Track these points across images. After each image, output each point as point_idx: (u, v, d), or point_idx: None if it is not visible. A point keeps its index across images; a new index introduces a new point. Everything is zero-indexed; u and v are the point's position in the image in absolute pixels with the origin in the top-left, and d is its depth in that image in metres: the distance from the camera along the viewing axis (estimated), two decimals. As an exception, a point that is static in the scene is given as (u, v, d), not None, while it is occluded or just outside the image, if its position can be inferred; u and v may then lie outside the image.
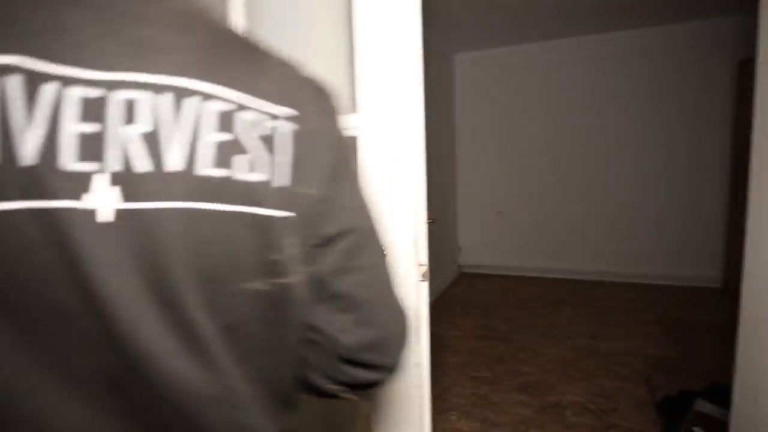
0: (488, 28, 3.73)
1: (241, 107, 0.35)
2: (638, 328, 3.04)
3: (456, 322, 3.34)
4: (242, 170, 0.35)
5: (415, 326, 0.74)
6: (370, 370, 0.46)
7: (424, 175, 0.70)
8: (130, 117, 0.31)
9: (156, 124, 0.32)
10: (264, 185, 0.36)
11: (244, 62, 0.38)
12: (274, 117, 0.37)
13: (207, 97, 0.33)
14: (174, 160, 0.32)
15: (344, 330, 0.43)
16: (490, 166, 4.56)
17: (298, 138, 0.38)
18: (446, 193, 4.44)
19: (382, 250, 0.48)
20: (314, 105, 0.41)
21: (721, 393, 1.88)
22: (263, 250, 0.36)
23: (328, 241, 0.41)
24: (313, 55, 1.00)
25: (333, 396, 0.47)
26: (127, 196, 0.31)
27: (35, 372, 0.30)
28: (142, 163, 0.31)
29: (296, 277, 0.39)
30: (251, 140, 0.35)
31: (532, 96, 4.31)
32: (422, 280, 0.71)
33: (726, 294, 3.59)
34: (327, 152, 0.41)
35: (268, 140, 0.36)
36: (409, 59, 0.69)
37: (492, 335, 3.05)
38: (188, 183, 0.32)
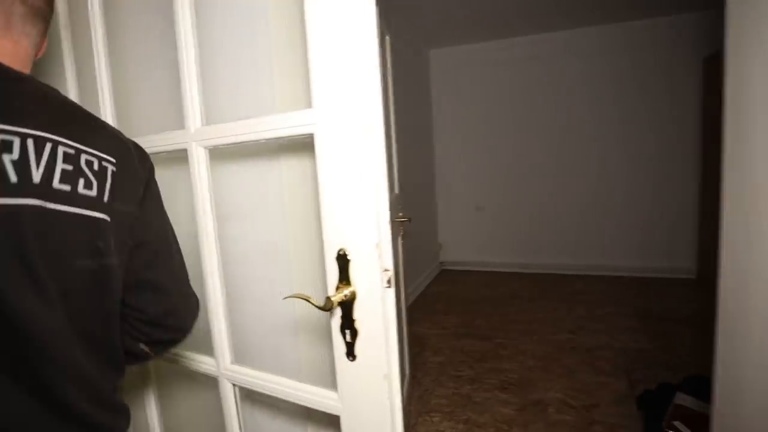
0: (461, 25, 3.70)
1: (82, 152, 0.56)
2: (617, 322, 3.05)
3: (437, 320, 3.31)
4: (82, 188, 0.55)
5: (382, 336, 0.68)
6: (169, 332, 0.71)
7: (384, 174, 0.65)
8: (5, 149, 0.49)
9: (24, 156, 0.50)
10: (95, 198, 0.57)
11: (81, 122, 0.60)
12: (101, 159, 0.59)
13: (50, 142, 0.53)
14: (36, 177, 0.51)
15: (150, 303, 0.67)
16: (468, 161, 4.54)
17: (115, 175, 0.60)
18: (425, 190, 4.41)
19: (179, 252, 0.74)
20: (126, 156, 0.63)
21: (698, 384, 1.89)
22: (92, 239, 0.56)
23: (138, 244, 0.64)
24: (267, 47, 0.94)
25: (145, 358, 0.72)
26: (5, 194, 0.48)
27: None
28: (11, 176, 0.49)
29: (115, 261, 0.60)
30: (89, 171, 0.57)
31: (505, 91, 4.30)
32: (387, 287, 0.65)
33: (699, 285, 3.65)
34: (133, 184, 0.64)
35: (100, 173, 0.58)
36: (364, 47, 0.63)
37: (473, 333, 3.02)
38: (39, 190, 0.51)
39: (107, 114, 1.01)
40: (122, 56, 1.08)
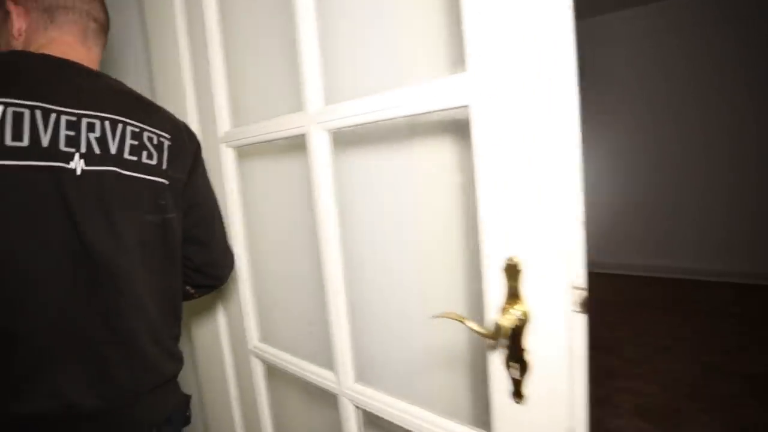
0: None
1: (144, 130, 0.71)
2: (788, 343, 2.47)
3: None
4: (145, 158, 0.70)
5: (566, 375, 0.50)
6: (208, 278, 0.88)
7: (580, 162, 0.46)
8: (90, 129, 0.65)
9: (103, 133, 0.66)
10: (156, 166, 0.72)
11: (143, 108, 0.74)
12: (159, 136, 0.73)
13: (121, 123, 0.68)
14: (112, 149, 0.67)
15: (196, 254, 0.83)
16: (588, 159, 4.07)
17: (170, 148, 0.75)
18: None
19: (220, 216, 0.88)
20: (178, 134, 0.77)
21: None
22: (156, 198, 0.72)
23: (189, 206, 0.79)
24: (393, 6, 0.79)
25: (190, 297, 0.88)
26: (89, 162, 0.64)
27: (38, 253, 0.60)
28: (97, 149, 0.65)
29: (174, 216, 0.75)
30: (150, 145, 0.71)
31: (641, 72, 3.75)
32: (578, 311, 0.47)
33: None
34: (184, 157, 0.78)
35: (159, 147, 0.73)
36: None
37: (597, 344, 2.65)
38: (116, 160, 0.67)
39: (217, 93, 0.97)
40: (232, 35, 1.01)
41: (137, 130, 0.70)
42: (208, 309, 1.14)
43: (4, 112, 0.57)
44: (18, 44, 0.70)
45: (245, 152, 1.02)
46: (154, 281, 0.71)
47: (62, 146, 0.61)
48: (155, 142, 0.72)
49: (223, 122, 0.98)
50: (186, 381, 1.32)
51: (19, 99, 0.58)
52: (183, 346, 0.83)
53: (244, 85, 1.01)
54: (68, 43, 0.71)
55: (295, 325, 1.04)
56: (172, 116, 0.79)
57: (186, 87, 1.04)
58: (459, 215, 0.77)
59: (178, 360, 0.77)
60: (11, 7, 0.69)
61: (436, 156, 0.80)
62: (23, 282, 0.59)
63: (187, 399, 0.81)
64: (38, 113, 0.60)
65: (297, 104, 0.79)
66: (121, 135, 0.68)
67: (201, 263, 0.84)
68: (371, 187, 0.89)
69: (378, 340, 0.90)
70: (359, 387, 0.78)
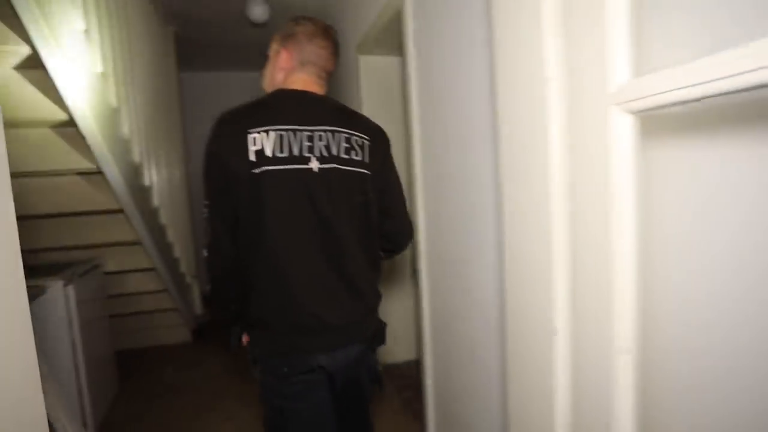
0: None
1: (353, 135, 1.06)
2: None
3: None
4: (354, 156, 1.05)
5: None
6: (391, 243, 1.20)
7: None
8: (320, 139, 1.02)
9: (328, 141, 1.03)
10: (361, 161, 1.06)
11: (350, 119, 1.10)
12: (362, 138, 1.08)
13: (338, 132, 1.04)
14: (334, 152, 1.03)
15: (384, 224, 1.15)
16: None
17: (370, 147, 1.08)
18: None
19: (403, 196, 1.20)
20: (375, 136, 1.11)
21: None
22: (362, 185, 1.06)
23: (381, 189, 1.12)
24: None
25: (381, 258, 1.19)
26: (321, 162, 1.01)
27: (297, 221, 1.00)
28: (325, 153, 1.02)
29: (372, 197, 1.09)
30: (357, 147, 1.06)
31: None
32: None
33: None
34: (378, 153, 1.10)
35: (362, 146, 1.07)
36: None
37: None
38: (338, 159, 1.03)
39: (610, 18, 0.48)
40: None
41: (347, 135, 1.05)
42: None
43: (276, 135, 0.97)
44: (280, 76, 1.10)
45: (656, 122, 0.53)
46: (361, 242, 1.07)
47: (305, 153, 0.99)
48: (359, 143, 1.06)
49: (618, 70, 0.49)
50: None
51: (282, 125, 0.98)
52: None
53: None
54: (306, 81, 1.09)
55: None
56: (370, 121, 1.14)
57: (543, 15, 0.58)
58: None
59: (378, 296, 1.15)
60: (284, 50, 1.09)
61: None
62: (291, 237, 0.99)
63: (383, 325, 1.18)
64: (291, 134, 0.99)
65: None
66: (338, 141, 1.03)
67: (389, 231, 1.17)
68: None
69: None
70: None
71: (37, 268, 2.23)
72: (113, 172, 2.05)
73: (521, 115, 0.65)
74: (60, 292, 2.00)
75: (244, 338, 1.15)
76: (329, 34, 1.11)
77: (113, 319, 2.77)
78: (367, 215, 1.08)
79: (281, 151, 0.97)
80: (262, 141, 0.96)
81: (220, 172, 0.97)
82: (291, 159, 0.97)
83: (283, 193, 0.97)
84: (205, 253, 1.05)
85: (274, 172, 0.96)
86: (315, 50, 1.07)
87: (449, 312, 1.62)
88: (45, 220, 2.31)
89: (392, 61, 2.58)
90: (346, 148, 1.04)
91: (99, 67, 1.99)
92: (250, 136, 0.95)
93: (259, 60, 1.51)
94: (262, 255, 0.99)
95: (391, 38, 2.17)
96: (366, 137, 1.08)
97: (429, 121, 1.66)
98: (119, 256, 2.62)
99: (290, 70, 1.09)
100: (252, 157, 0.95)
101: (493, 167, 1.23)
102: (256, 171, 0.95)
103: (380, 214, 1.13)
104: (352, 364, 1.09)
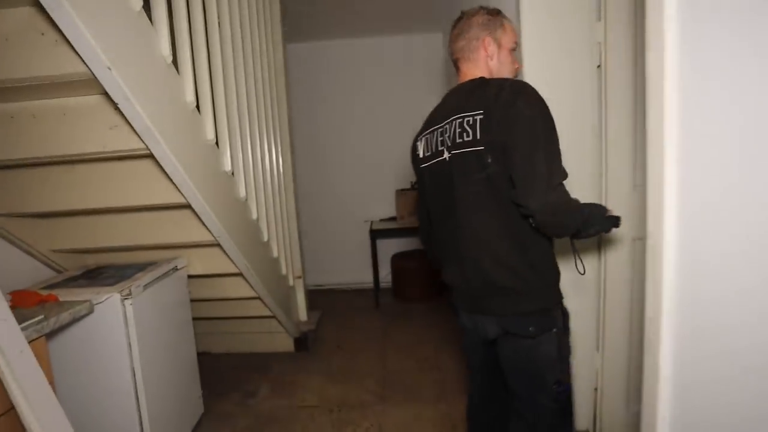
0: None
1: (465, 117, 1.13)
2: None
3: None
4: (465, 137, 1.12)
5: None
6: (522, 208, 1.07)
7: None
8: (445, 131, 1.19)
9: (450, 131, 1.17)
10: (471, 140, 1.10)
11: (468, 99, 1.16)
12: (473, 116, 1.10)
13: (457, 118, 1.15)
14: (455, 139, 1.15)
15: (514, 188, 1.08)
16: None
17: (482, 122, 1.08)
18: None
19: (544, 151, 1.05)
20: (492, 104, 1.08)
21: None
22: (480, 160, 1.10)
23: (508, 156, 1.06)
24: None
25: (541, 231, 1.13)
26: (451, 149, 1.17)
27: (442, 201, 1.24)
28: (450, 142, 1.17)
29: (494, 169, 1.08)
30: (467, 126, 1.11)
31: None
32: None
33: None
34: (497, 122, 1.06)
35: (473, 125, 1.10)
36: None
37: None
38: (457, 144, 1.15)
39: None
40: None
41: (460, 120, 1.13)
42: None
43: (425, 139, 1.28)
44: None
45: None
46: (490, 220, 1.14)
47: (439, 147, 1.21)
48: (471, 122, 1.10)
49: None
50: None
51: (430, 127, 1.27)
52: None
53: None
54: (463, 71, 1.25)
55: None
56: (496, 93, 1.09)
57: None
58: None
59: (522, 279, 1.13)
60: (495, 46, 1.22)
61: None
62: (439, 214, 1.28)
63: (538, 312, 1.15)
64: (432, 134, 1.24)
65: None
66: (453, 128, 1.15)
67: (516, 195, 1.06)
68: None
69: None
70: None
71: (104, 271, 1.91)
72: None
73: None
74: (117, 307, 1.61)
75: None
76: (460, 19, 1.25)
77: (198, 321, 2.41)
78: (492, 189, 1.11)
79: (426, 151, 1.29)
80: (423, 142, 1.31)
81: None
82: (432, 155, 1.25)
83: (434, 180, 1.27)
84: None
85: (426, 165, 1.29)
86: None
87: None
88: (119, 215, 1.97)
89: None
90: (459, 132, 1.13)
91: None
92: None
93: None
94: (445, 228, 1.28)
95: None
96: (478, 112, 1.09)
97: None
98: (203, 257, 2.22)
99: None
100: (420, 154, 1.34)
101: None
102: (422, 166, 1.32)
103: (510, 181, 1.09)
104: None
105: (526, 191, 1.04)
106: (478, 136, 1.08)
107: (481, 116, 1.08)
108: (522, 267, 1.13)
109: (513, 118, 1.04)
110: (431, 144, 1.23)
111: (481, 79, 1.16)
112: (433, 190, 1.27)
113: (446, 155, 1.17)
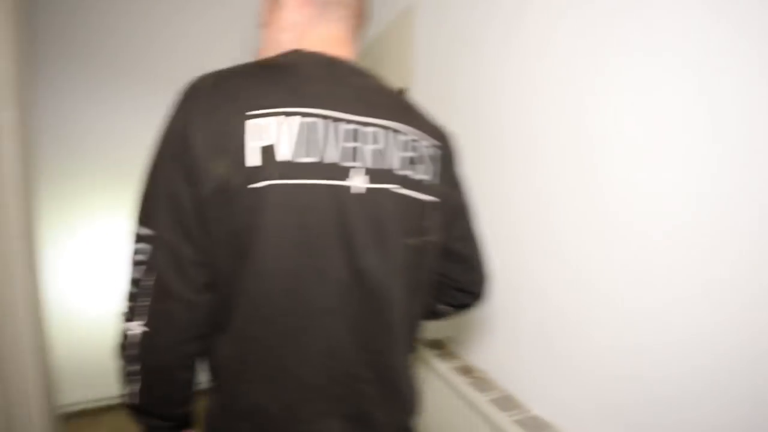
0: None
1: (419, 138, 0.65)
2: None
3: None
4: (422, 173, 0.64)
5: None
6: (470, 296, 0.79)
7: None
8: (372, 140, 0.59)
9: (384, 144, 0.60)
10: (430, 182, 0.65)
11: (407, 111, 0.67)
12: (432, 145, 0.67)
13: (397, 132, 0.62)
14: (392, 164, 0.60)
15: (461, 273, 0.76)
16: None
17: (444, 159, 0.69)
18: None
19: (479, 233, 0.78)
20: (445, 141, 0.71)
21: None
22: (425, 217, 0.64)
23: (453, 221, 0.72)
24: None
25: (441, 315, 0.82)
26: (376, 179, 0.58)
27: (313, 296, 0.56)
28: (377, 164, 0.59)
29: (434, 237, 0.67)
30: (426, 156, 0.65)
31: None
32: None
33: None
34: (454, 168, 0.73)
35: (433, 158, 0.66)
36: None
37: None
38: (394, 176, 0.60)
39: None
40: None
41: (412, 139, 0.64)
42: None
43: (301, 125, 0.55)
44: (286, 37, 0.65)
45: None
46: (408, 309, 0.66)
47: (345, 160, 0.57)
48: (431, 153, 0.67)
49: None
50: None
51: (311, 108, 0.55)
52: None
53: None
54: (336, 39, 0.65)
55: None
56: (432, 119, 0.72)
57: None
58: None
59: (418, 394, 0.70)
60: None
61: None
62: (305, 303, 0.58)
63: None
64: (326, 124, 0.56)
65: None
66: (390, 144, 0.61)
67: (467, 282, 0.78)
68: None
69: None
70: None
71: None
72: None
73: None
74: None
75: None
76: None
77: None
78: (420, 265, 0.66)
79: (306, 154, 0.54)
80: (276, 132, 0.53)
81: (187, 183, 0.52)
82: (321, 168, 0.55)
83: (298, 228, 0.55)
84: (133, 330, 0.55)
85: (288, 188, 0.53)
86: None
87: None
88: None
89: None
90: (407, 159, 0.62)
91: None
92: (253, 123, 0.53)
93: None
94: (249, 333, 0.56)
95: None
96: (436, 143, 0.69)
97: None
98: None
99: (303, 25, 0.65)
100: (252, 160, 0.52)
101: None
102: (256, 186, 0.52)
103: (450, 258, 0.75)
104: None
105: (480, 273, 0.79)
106: (438, 180, 0.67)
107: (441, 150, 0.69)
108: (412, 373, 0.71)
109: (462, 181, 0.77)
110: (319, 144, 0.55)
111: (376, 77, 0.68)
112: (289, 245, 0.55)
113: (360, 183, 0.58)
